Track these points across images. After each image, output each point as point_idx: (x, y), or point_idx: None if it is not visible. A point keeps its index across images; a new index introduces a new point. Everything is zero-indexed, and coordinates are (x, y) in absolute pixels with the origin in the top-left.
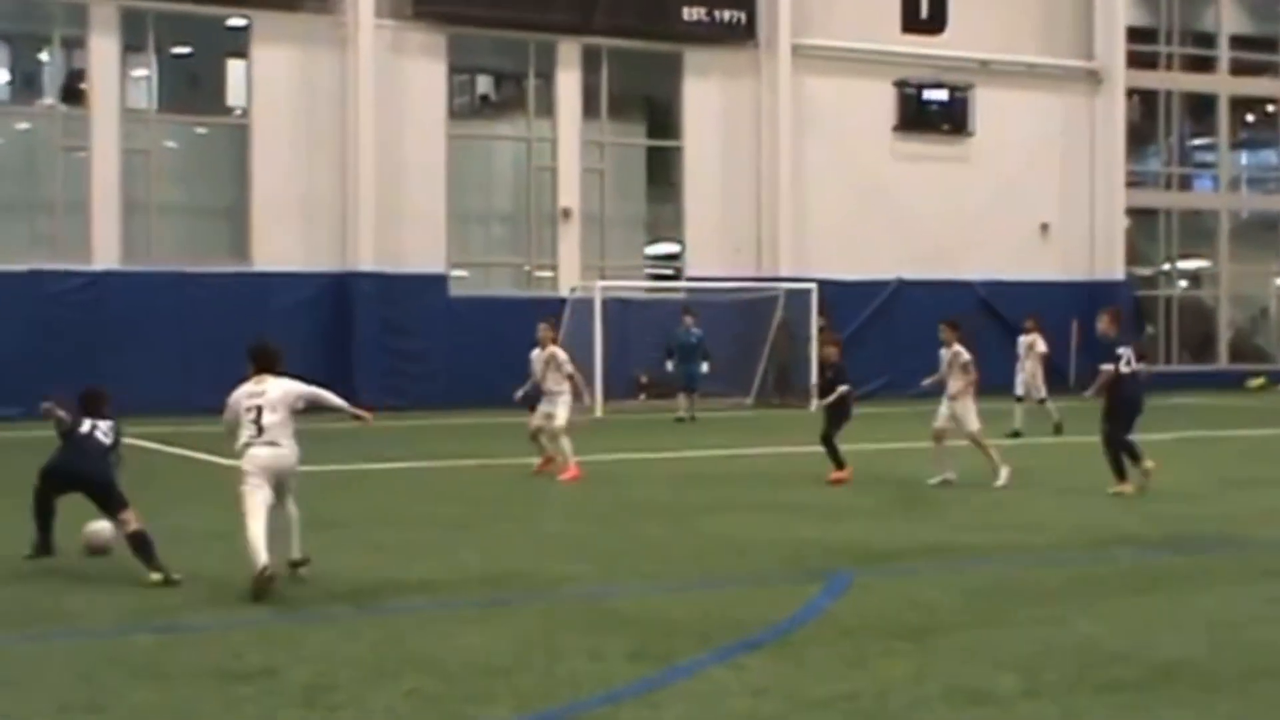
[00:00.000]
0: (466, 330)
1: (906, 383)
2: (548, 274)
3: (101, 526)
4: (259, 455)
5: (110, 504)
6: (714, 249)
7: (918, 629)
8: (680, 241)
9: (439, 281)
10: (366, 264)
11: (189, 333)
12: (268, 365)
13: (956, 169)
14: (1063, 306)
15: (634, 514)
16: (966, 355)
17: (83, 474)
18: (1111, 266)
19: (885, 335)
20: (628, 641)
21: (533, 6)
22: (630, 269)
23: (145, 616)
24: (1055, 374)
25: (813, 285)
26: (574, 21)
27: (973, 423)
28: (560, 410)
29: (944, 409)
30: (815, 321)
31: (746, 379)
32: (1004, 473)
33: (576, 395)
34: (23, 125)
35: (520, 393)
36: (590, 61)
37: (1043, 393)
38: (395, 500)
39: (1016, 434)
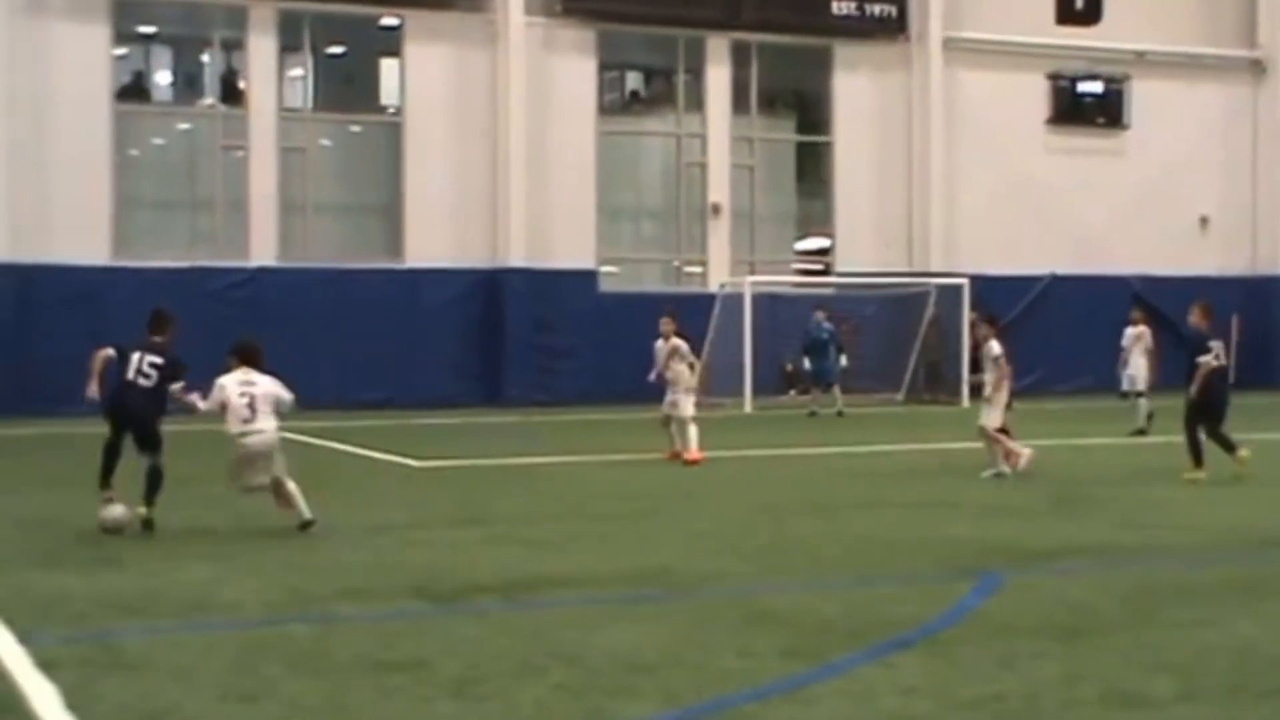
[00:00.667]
0: (615, 326)
1: (1059, 379)
2: (697, 270)
3: (114, 510)
4: (253, 444)
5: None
6: (865, 244)
7: (1070, 630)
8: (830, 236)
9: (588, 277)
10: (517, 260)
11: (343, 328)
12: (253, 361)
13: (1111, 162)
14: (1222, 302)
15: (784, 510)
16: (998, 350)
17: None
18: (1274, 260)
19: (1038, 331)
20: (778, 639)
21: (682, 2)
22: (780, 264)
23: (300, 607)
24: None
25: (964, 280)
26: (723, 17)
27: (991, 418)
28: (683, 399)
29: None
30: (966, 316)
31: (897, 375)
32: (991, 471)
33: (696, 385)
34: (184, 125)
35: (654, 374)
36: (740, 56)
37: (1141, 386)
38: (544, 496)
39: (1140, 432)
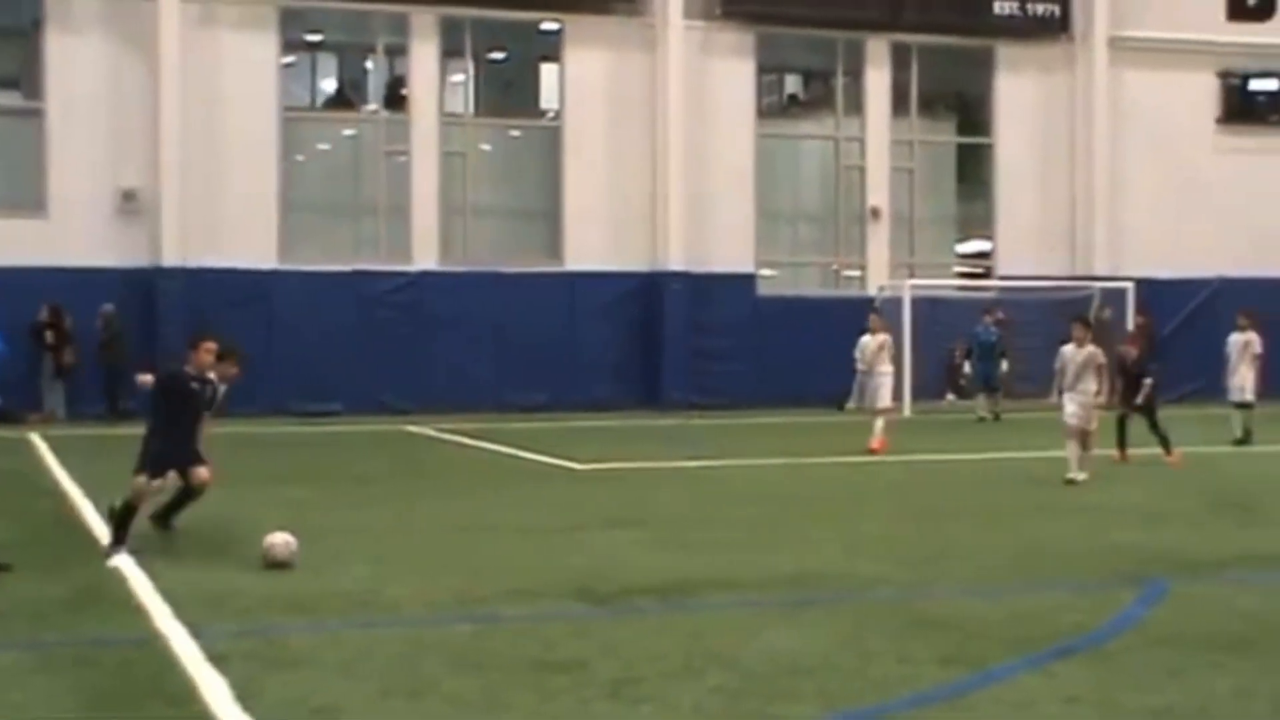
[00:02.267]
0: (774, 329)
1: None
2: (856, 273)
3: (279, 539)
4: None
5: None
6: (1027, 247)
7: (1241, 640)
8: (991, 239)
9: (747, 281)
10: (676, 263)
11: (503, 331)
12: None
13: None
14: None
15: (945, 515)
16: (1103, 356)
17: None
18: None
19: (1205, 336)
20: (938, 645)
21: (841, 4)
22: (940, 267)
23: (463, 607)
24: None
25: (1129, 284)
26: (883, 18)
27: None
28: (884, 392)
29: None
30: (1131, 320)
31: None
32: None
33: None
34: (348, 131)
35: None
36: (899, 58)
37: (1248, 396)
38: (703, 499)
39: (1240, 441)
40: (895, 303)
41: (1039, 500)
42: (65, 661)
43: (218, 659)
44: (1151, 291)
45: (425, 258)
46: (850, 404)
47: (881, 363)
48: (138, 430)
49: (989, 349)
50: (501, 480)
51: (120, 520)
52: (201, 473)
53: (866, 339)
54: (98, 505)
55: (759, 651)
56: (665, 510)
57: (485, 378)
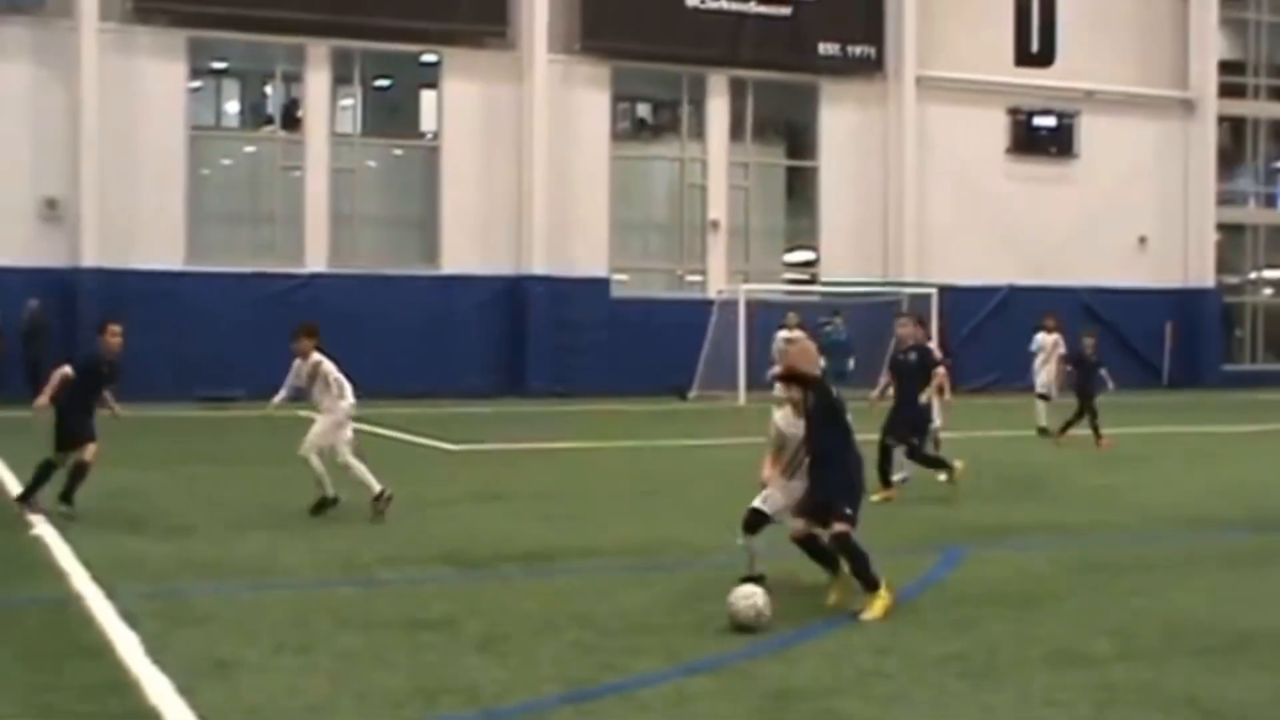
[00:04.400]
0: (626, 327)
1: (1015, 378)
2: (698, 278)
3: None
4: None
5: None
6: (846, 256)
7: (1024, 598)
8: (815, 249)
9: (602, 284)
10: (539, 268)
11: (386, 326)
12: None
13: (1063, 187)
14: (1158, 311)
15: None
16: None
17: None
18: (1203, 276)
19: (997, 335)
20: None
21: (687, 42)
22: (771, 274)
23: (347, 571)
24: (1150, 371)
25: (933, 289)
26: (722, 55)
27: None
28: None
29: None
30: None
31: (874, 374)
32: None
33: None
34: (249, 148)
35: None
36: (737, 91)
37: (1052, 391)
38: (563, 476)
39: (1043, 430)
40: (732, 305)
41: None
42: None
43: (130, 617)
44: (952, 297)
45: (317, 261)
46: (692, 393)
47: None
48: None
49: (840, 347)
50: (384, 460)
51: (36, 484)
52: (91, 449)
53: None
54: (21, 479)
55: (612, 611)
56: (529, 486)
57: (370, 368)
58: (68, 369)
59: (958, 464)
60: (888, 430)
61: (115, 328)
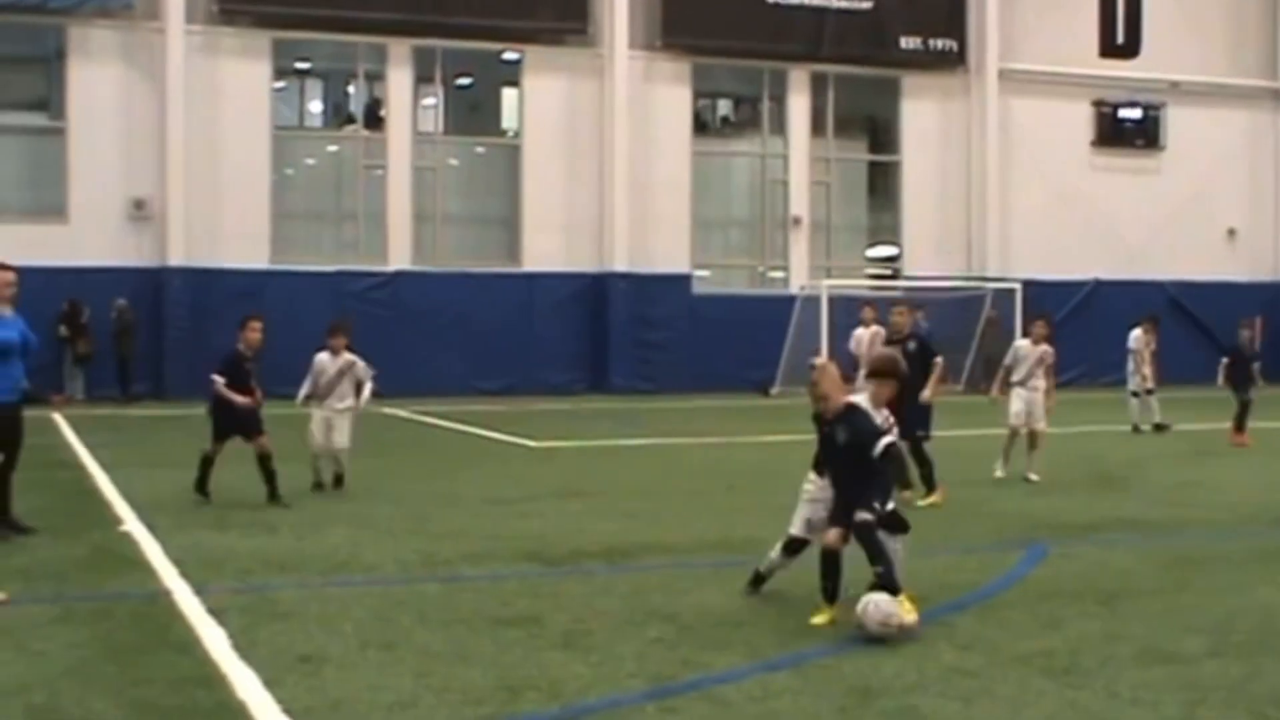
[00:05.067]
0: (707, 323)
1: (1101, 373)
2: (779, 274)
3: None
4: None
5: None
6: (928, 252)
7: (1110, 594)
8: (898, 245)
9: (684, 280)
10: (620, 265)
11: (468, 324)
12: None
13: (1149, 180)
14: (1248, 305)
15: None
16: (1053, 355)
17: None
18: None
19: (1083, 330)
20: (850, 600)
21: (767, 37)
22: (853, 269)
23: (430, 568)
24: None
25: (1017, 285)
26: (804, 51)
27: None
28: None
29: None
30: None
31: (957, 369)
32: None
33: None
34: (332, 148)
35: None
36: (818, 86)
37: (1150, 385)
38: (644, 473)
39: (1137, 428)
40: (814, 301)
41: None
42: (84, 614)
43: (217, 613)
44: (1036, 292)
45: (399, 259)
46: (774, 389)
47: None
48: (148, 412)
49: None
50: (466, 456)
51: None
52: (262, 440)
53: (860, 330)
54: (112, 477)
55: (693, 607)
56: (610, 483)
57: (452, 365)
58: (217, 378)
59: (940, 497)
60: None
61: (255, 323)
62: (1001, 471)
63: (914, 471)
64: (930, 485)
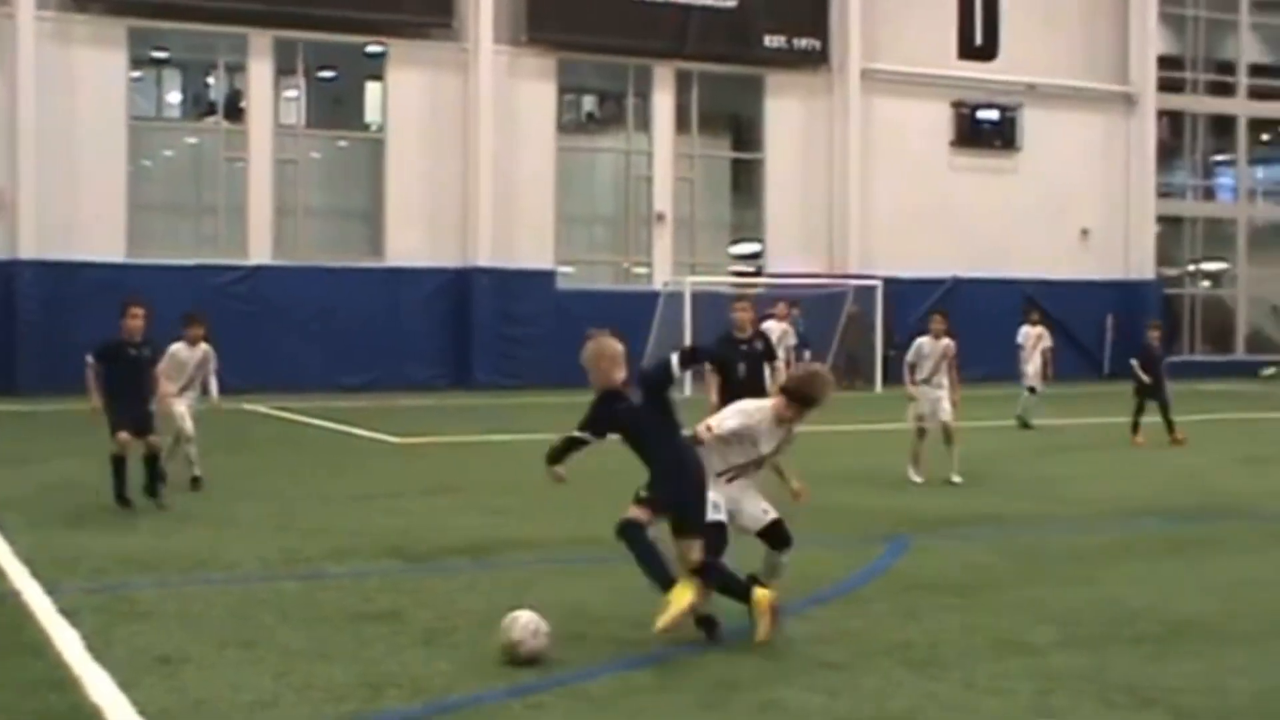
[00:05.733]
0: (572, 319)
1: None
2: (644, 270)
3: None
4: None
5: None
6: (791, 249)
7: (968, 587)
8: (761, 241)
9: (548, 276)
10: (484, 260)
11: (330, 319)
12: None
13: (1006, 180)
14: (1099, 303)
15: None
16: (954, 349)
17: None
18: (1143, 268)
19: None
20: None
21: (632, 34)
22: (716, 266)
23: (292, 565)
24: (1091, 362)
25: (878, 282)
26: (668, 48)
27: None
28: None
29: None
30: (879, 314)
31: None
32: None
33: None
34: (192, 139)
35: None
36: (682, 83)
37: (1037, 383)
38: (509, 469)
39: (1025, 424)
40: (678, 297)
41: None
42: None
43: (70, 613)
44: (896, 289)
45: (260, 253)
46: None
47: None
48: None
49: (799, 339)
50: (329, 453)
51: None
52: (150, 440)
53: (770, 324)
54: None
55: (556, 604)
56: (475, 479)
57: (314, 361)
58: (90, 359)
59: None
60: None
61: (135, 310)
62: (918, 476)
63: None
64: None
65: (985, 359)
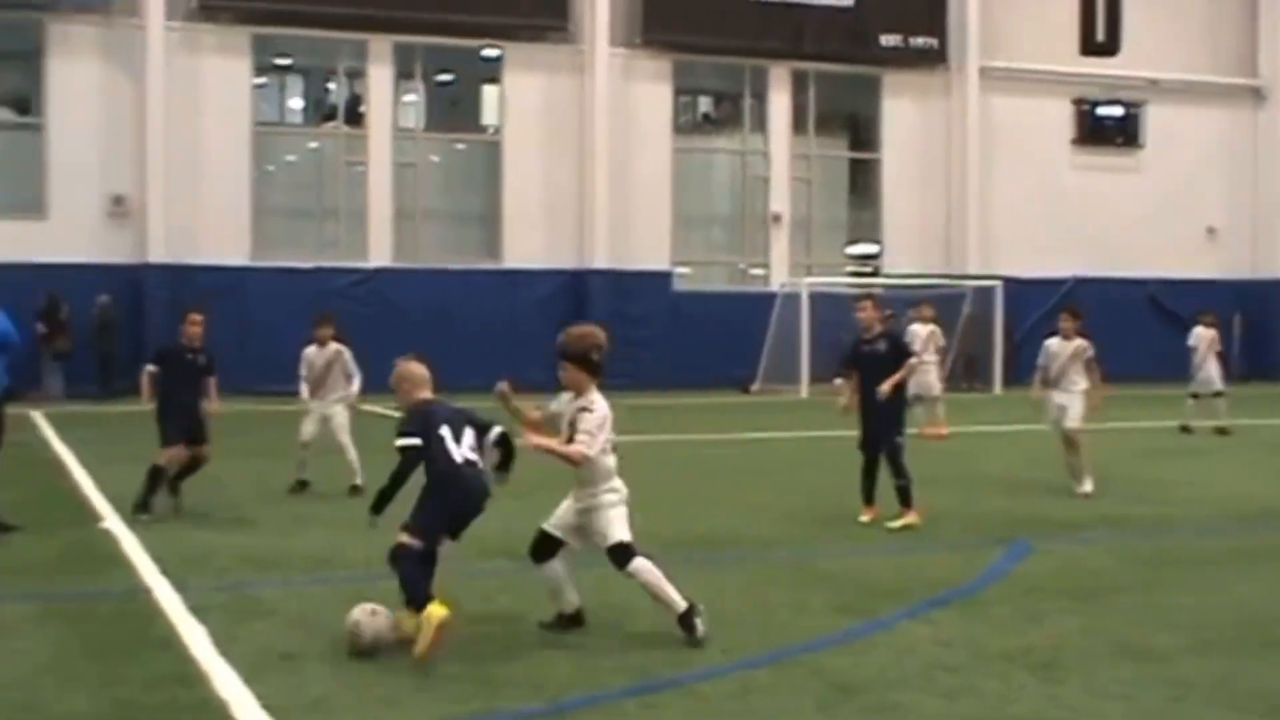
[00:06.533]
0: (688, 320)
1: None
2: (760, 271)
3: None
4: None
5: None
6: (909, 249)
7: (1090, 591)
8: (878, 242)
9: (664, 278)
10: (601, 262)
11: (449, 321)
12: None
13: (1129, 178)
14: (1226, 302)
15: (833, 486)
16: (1092, 349)
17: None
18: (1272, 265)
19: None
20: (830, 597)
21: (748, 34)
22: (833, 267)
23: None
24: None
25: (997, 282)
26: (785, 48)
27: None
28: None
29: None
30: (999, 315)
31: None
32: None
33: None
34: (313, 144)
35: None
36: (799, 83)
37: (1217, 385)
38: (626, 468)
39: (1222, 430)
40: (794, 298)
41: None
42: (64, 612)
43: (198, 610)
44: (1015, 289)
45: (380, 256)
46: (754, 386)
47: (928, 351)
48: (128, 408)
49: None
50: None
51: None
52: (203, 450)
53: (915, 327)
54: (92, 474)
55: None
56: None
57: (434, 362)
58: (149, 366)
59: (917, 518)
60: (866, 441)
61: (195, 316)
62: (1087, 485)
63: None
64: (906, 503)
65: (1106, 360)
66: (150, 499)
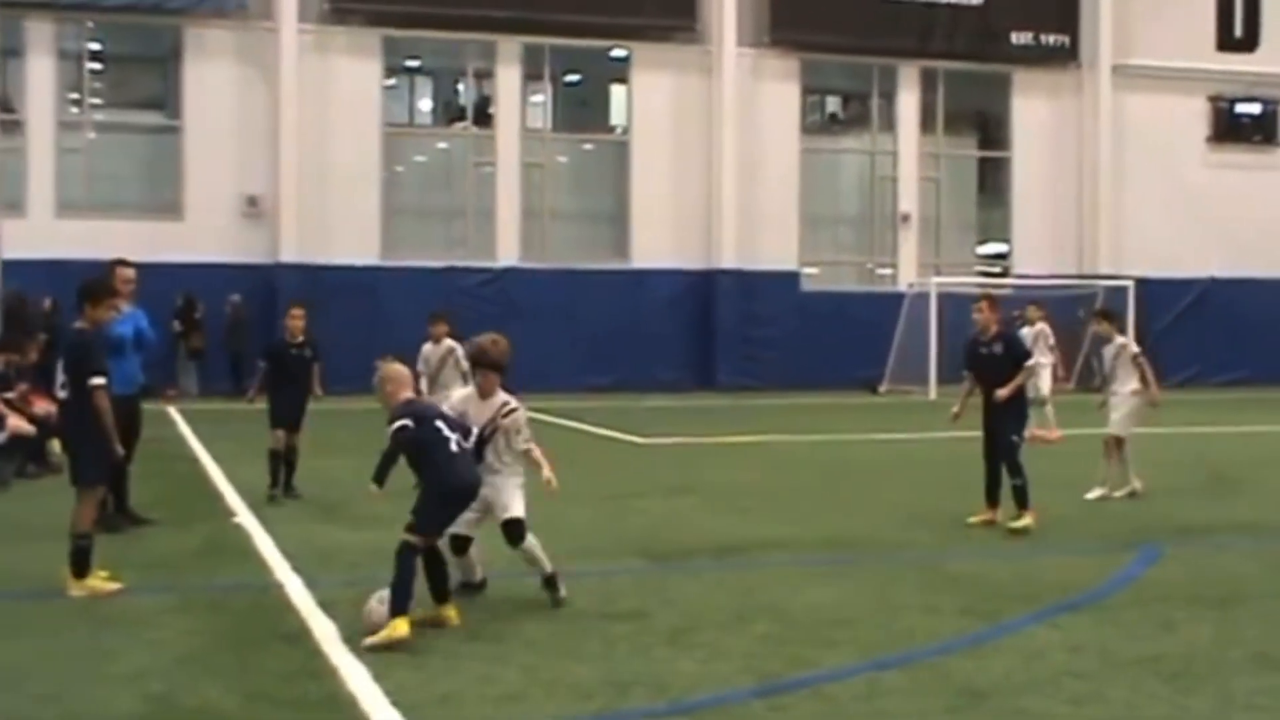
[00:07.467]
0: (815, 320)
1: (1215, 372)
2: (888, 271)
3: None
4: None
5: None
6: (1039, 249)
7: (1223, 598)
8: (1008, 242)
9: (792, 278)
10: (728, 262)
11: (577, 320)
12: None
13: (1268, 176)
14: None
15: (962, 488)
16: (1135, 347)
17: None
18: None
19: (1196, 329)
20: (959, 600)
21: (876, 33)
22: (962, 267)
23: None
24: None
25: (1129, 283)
26: (913, 46)
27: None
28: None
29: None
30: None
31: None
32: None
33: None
34: (442, 145)
35: None
36: (928, 82)
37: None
38: (753, 470)
39: None
40: (923, 298)
41: (1048, 475)
42: (198, 605)
43: (327, 605)
44: (1148, 290)
45: (508, 255)
46: (883, 387)
47: (1040, 353)
48: (259, 406)
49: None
50: (574, 452)
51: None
52: (291, 435)
53: (1025, 330)
54: (225, 470)
55: (802, 604)
56: (719, 480)
57: (561, 361)
58: (260, 363)
59: (1032, 519)
60: (990, 447)
61: (295, 310)
62: (1136, 483)
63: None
64: (1023, 504)
65: (1246, 361)
66: (276, 482)
